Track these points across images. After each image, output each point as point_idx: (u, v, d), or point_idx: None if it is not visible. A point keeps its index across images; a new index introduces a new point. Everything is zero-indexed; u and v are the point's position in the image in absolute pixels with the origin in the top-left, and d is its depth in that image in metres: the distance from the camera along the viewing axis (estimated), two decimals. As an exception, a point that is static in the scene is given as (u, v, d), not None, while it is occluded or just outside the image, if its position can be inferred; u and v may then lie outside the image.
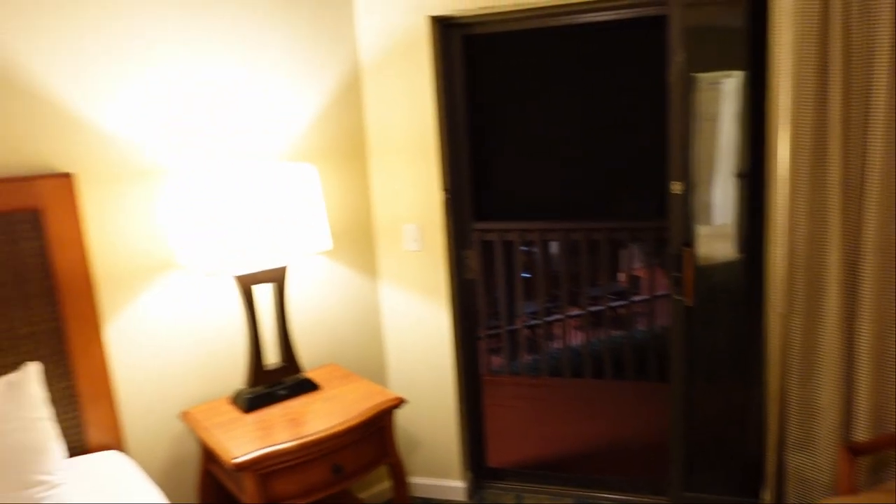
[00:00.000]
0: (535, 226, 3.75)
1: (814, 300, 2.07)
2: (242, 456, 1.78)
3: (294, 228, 2.02)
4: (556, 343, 4.38)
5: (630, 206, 5.31)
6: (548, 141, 5.34)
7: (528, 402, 3.88)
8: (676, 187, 2.27)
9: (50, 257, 1.77)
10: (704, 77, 2.30)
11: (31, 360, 1.72)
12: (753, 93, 2.23)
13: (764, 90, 2.12)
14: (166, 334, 2.09)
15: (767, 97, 2.11)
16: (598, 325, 4.35)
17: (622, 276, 5.16)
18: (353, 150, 2.52)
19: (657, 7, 2.21)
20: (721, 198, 2.43)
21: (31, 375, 1.58)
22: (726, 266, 2.49)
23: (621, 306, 4.60)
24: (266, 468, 1.83)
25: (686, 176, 2.28)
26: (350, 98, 2.48)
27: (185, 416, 2.09)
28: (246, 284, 2.07)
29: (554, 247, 4.40)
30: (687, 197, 2.30)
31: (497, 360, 4.45)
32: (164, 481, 2.07)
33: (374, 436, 2.07)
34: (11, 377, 1.55)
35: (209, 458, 2.07)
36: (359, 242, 2.58)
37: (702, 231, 2.40)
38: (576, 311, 4.38)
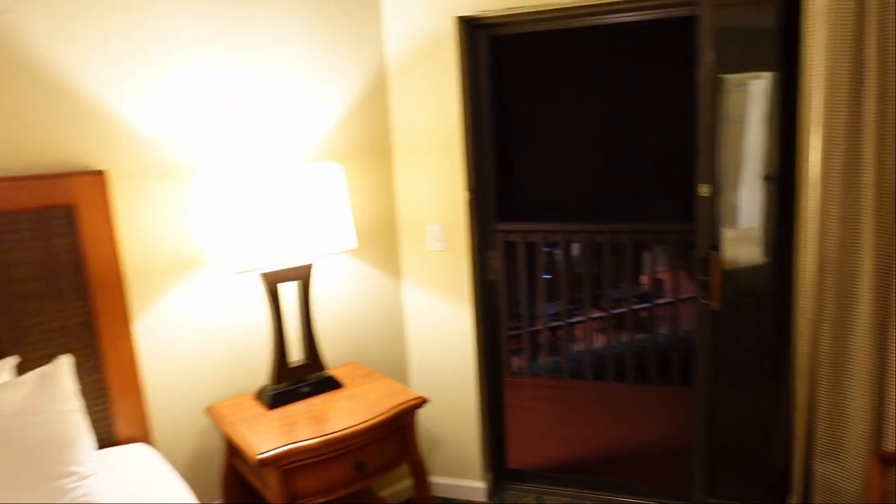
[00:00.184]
0: (558, 227, 3.73)
1: (845, 306, 2.03)
2: (266, 452, 1.80)
3: (320, 227, 2.03)
4: (577, 345, 4.35)
5: (654, 208, 5.26)
6: (572, 142, 5.31)
7: (549, 404, 3.87)
8: (704, 190, 2.25)
9: (82, 253, 1.81)
10: (732, 78, 2.27)
11: (63, 353, 1.75)
12: (784, 94, 2.19)
13: (795, 91, 2.09)
14: (193, 330, 2.12)
15: (799, 98, 2.07)
16: (620, 327, 4.32)
17: (645, 279, 5.11)
18: (379, 150, 2.53)
19: (687, 7, 2.19)
20: (748, 201, 2.40)
21: (64, 368, 1.62)
22: (753, 270, 2.45)
23: (644, 309, 4.56)
24: (289, 464, 1.85)
25: (713, 178, 2.25)
26: (376, 98, 2.49)
27: (210, 410, 2.12)
28: (272, 282, 2.09)
29: (575, 248, 4.37)
30: (714, 200, 2.27)
31: (516, 361, 4.44)
32: (190, 474, 2.10)
33: (396, 434, 2.08)
34: (45, 369, 1.59)
35: (233, 452, 2.10)
36: (383, 242, 2.59)
37: (728, 234, 2.37)
38: (598, 314, 4.35)
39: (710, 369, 2.39)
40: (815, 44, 1.94)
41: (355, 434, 1.94)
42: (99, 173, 1.83)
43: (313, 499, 1.91)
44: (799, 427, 2.21)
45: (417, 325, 2.69)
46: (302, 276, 2.15)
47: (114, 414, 1.90)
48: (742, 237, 2.43)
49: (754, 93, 2.32)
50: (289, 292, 2.24)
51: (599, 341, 4.31)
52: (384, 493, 2.67)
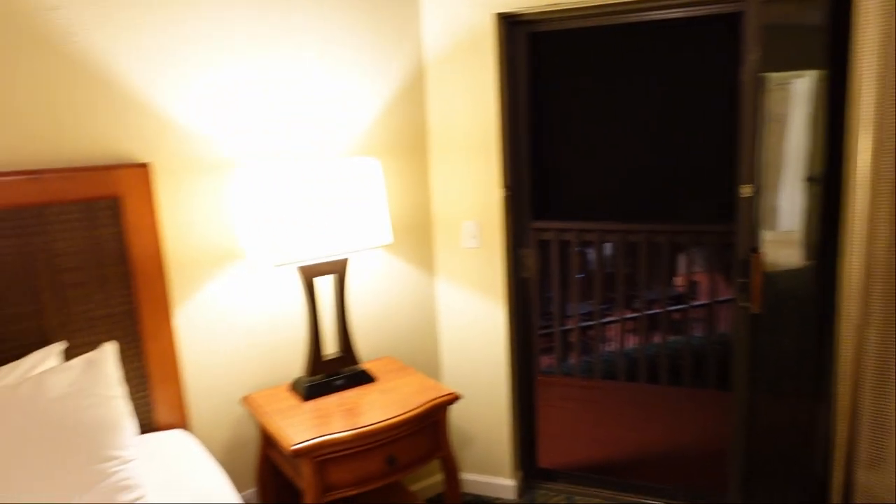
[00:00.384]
0: (593, 226, 3.70)
1: (892, 311, 1.97)
2: (301, 443, 1.83)
3: (357, 222, 2.05)
4: (608, 345, 4.31)
5: (689, 208, 5.17)
6: (606, 139, 5.26)
7: (580, 404, 3.84)
8: (746, 190, 2.20)
9: (126, 244, 1.86)
10: (773, 77, 2.21)
11: (108, 340, 1.81)
12: (831, 93, 2.13)
13: (843, 90, 2.03)
14: (231, 321, 2.16)
15: (847, 98, 2.01)
16: (653, 328, 4.26)
17: (679, 280, 5.04)
18: (415, 145, 2.54)
19: (733, 4, 2.14)
20: (788, 202, 2.34)
21: (108, 355, 1.66)
22: (794, 273, 2.39)
23: (678, 310, 4.49)
24: (323, 455, 1.87)
25: (755, 179, 2.20)
26: (413, 94, 2.50)
27: (246, 400, 2.16)
28: (308, 276, 2.11)
29: (608, 248, 4.32)
30: (755, 201, 2.22)
31: (546, 360, 4.41)
32: (225, 462, 2.14)
33: (429, 430, 2.08)
34: (90, 356, 1.63)
35: (268, 442, 2.13)
36: (417, 238, 2.60)
37: (767, 236, 2.31)
38: (630, 314, 4.29)
39: (749, 373, 2.35)
40: (866, 41, 1.88)
41: (388, 428, 1.95)
42: (143, 166, 1.87)
43: (345, 490, 1.93)
44: (840, 435, 2.15)
45: (450, 321, 2.70)
46: (338, 270, 2.17)
47: (154, 400, 1.95)
48: (782, 239, 2.38)
49: (797, 92, 2.26)
50: (325, 286, 2.26)
51: (631, 342, 4.26)
52: (414, 488, 2.69)
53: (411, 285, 2.61)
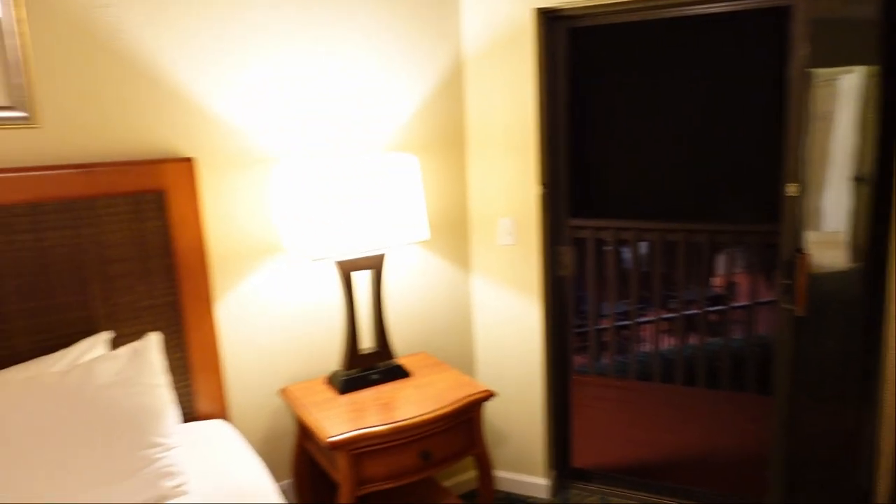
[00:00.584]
0: (632, 224, 3.64)
1: (945, 317, 1.90)
2: (337, 435, 1.85)
3: (394, 218, 2.06)
4: (643, 346, 4.25)
5: (729, 205, 5.06)
6: (644, 137, 5.18)
7: (615, 404, 3.79)
8: (792, 189, 2.14)
9: (171, 236, 1.90)
10: (820, 73, 2.15)
11: (152, 330, 1.85)
12: (884, 90, 2.06)
13: (895, 87, 1.96)
14: (270, 314, 2.19)
15: (902, 95, 1.95)
16: (690, 329, 4.18)
17: (717, 281, 4.93)
18: (453, 141, 2.54)
19: (781, -2, 2.09)
20: (834, 202, 2.27)
21: (153, 344, 1.71)
22: (839, 275, 2.32)
23: (717, 311, 4.40)
24: (358, 449, 1.89)
25: (800, 178, 2.15)
26: (451, 90, 2.50)
27: (283, 392, 2.19)
28: (346, 270, 2.13)
29: (643, 247, 4.26)
30: (800, 200, 2.16)
31: (579, 359, 4.37)
32: (263, 452, 2.18)
33: (463, 426, 2.09)
34: (136, 345, 1.68)
35: (304, 434, 2.16)
36: (454, 234, 2.60)
37: (811, 237, 2.25)
38: (665, 314, 4.22)
39: (791, 377, 2.29)
40: (923, 36, 1.81)
41: (423, 423, 1.96)
42: (188, 160, 1.91)
43: (380, 484, 1.95)
44: (885, 442, 2.09)
45: (485, 318, 2.69)
46: (375, 265, 2.19)
47: (195, 390, 1.99)
48: (827, 240, 2.31)
49: (844, 88, 2.19)
50: (362, 281, 2.28)
51: (666, 343, 4.19)
52: (447, 483, 2.70)
53: (447, 281, 2.61)
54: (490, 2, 2.40)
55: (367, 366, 2.22)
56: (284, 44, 2.10)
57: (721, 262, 4.89)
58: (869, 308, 2.17)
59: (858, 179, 2.20)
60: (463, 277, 2.66)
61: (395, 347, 2.45)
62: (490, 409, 2.74)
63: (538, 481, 2.74)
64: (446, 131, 2.52)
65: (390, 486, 1.96)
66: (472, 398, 2.08)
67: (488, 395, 2.12)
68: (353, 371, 2.19)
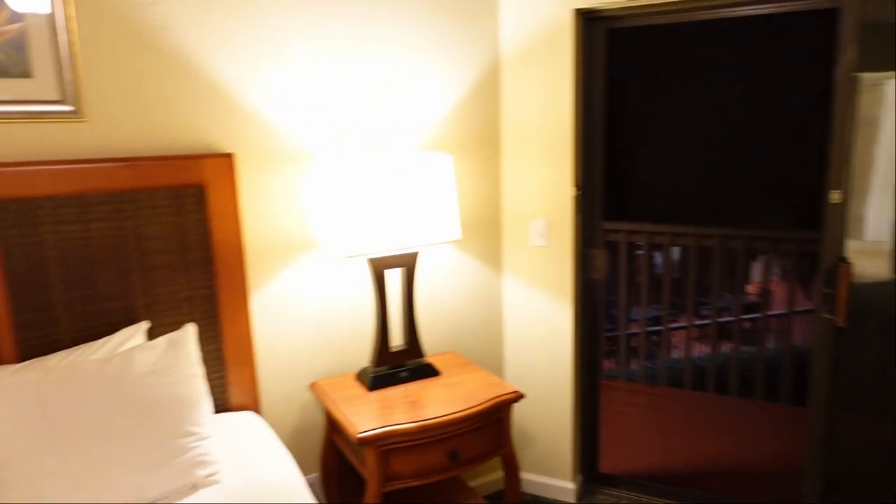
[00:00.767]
0: (667, 229, 3.58)
1: None
2: (366, 431, 1.86)
3: (427, 216, 2.07)
4: (675, 352, 4.19)
5: (764, 210, 4.96)
6: (682, 139, 5.10)
7: (644, 410, 3.75)
8: (835, 196, 2.09)
9: (209, 230, 1.94)
10: (865, 77, 2.09)
11: (189, 321, 1.89)
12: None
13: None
14: (303, 309, 2.22)
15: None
16: (723, 337, 4.11)
17: (752, 288, 4.84)
18: (487, 141, 2.54)
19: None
20: (877, 211, 2.21)
21: (190, 335, 1.74)
22: (882, 286, 2.26)
23: (751, 320, 4.32)
24: (386, 445, 1.90)
25: (843, 185, 2.09)
26: (488, 90, 2.50)
27: (313, 386, 2.22)
28: (378, 268, 2.15)
29: (675, 251, 4.20)
30: (843, 208, 2.11)
31: (607, 364, 4.33)
32: (292, 445, 2.20)
33: (491, 426, 2.08)
34: (173, 335, 1.72)
35: (333, 428, 2.18)
36: (486, 235, 2.60)
37: (852, 246, 2.20)
38: (696, 321, 4.16)
39: (829, 388, 2.23)
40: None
41: (451, 422, 1.96)
42: (228, 156, 1.95)
43: (407, 481, 1.95)
44: (929, 460, 2.03)
45: (515, 319, 2.68)
46: (407, 263, 2.20)
47: (228, 382, 2.03)
48: (870, 250, 2.25)
49: (891, 94, 2.13)
50: (393, 279, 2.30)
51: (697, 350, 4.13)
52: (473, 483, 2.70)
53: (478, 282, 2.61)
54: (529, 2, 2.39)
55: (397, 363, 2.23)
56: (321, 42, 2.12)
57: (756, 268, 4.79)
58: (912, 320, 2.10)
59: (904, 188, 2.14)
60: (494, 278, 2.65)
61: (425, 346, 2.46)
62: (517, 411, 2.73)
63: (565, 485, 2.72)
64: (481, 131, 2.52)
65: (417, 483, 1.97)
66: (501, 399, 2.08)
67: (518, 397, 2.11)
68: (383, 368, 2.20)
